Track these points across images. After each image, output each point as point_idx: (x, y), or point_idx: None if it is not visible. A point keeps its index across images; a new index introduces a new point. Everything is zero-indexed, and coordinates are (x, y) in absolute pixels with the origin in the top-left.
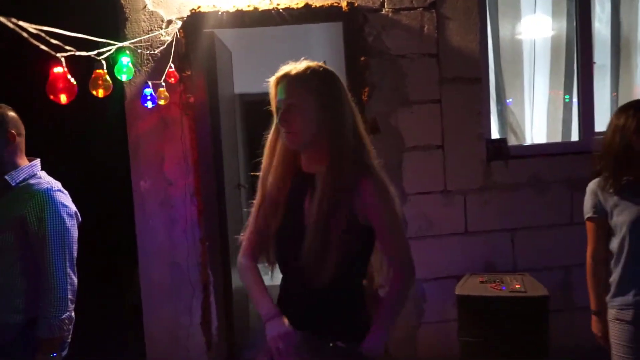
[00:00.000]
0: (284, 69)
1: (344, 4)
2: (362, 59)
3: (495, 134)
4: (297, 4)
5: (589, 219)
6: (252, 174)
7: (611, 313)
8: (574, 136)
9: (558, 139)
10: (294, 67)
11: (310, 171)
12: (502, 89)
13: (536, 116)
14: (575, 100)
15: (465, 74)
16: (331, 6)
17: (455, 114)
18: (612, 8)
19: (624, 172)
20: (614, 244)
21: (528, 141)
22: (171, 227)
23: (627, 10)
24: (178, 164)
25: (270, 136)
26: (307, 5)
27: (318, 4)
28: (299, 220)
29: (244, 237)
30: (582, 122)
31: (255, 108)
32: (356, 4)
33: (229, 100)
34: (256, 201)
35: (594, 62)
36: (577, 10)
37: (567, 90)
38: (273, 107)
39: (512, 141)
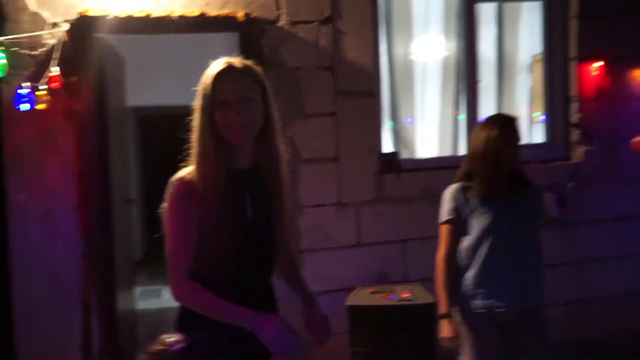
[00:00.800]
0: (222, 64)
1: (240, 15)
2: None
3: (390, 148)
4: (192, 12)
5: (447, 221)
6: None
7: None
8: (462, 150)
9: (448, 153)
10: (232, 61)
11: (242, 167)
12: (397, 104)
13: (428, 131)
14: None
15: (360, 88)
16: (227, 16)
17: (350, 127)
18: (497, 30)
19: (491, 179)
20: (469, 248)
21: (420, 155)
22: (52, 242)
23: (511, 32)
24: (61, 175)
25: (200, 135)
26: (202, 15)
27: (214, 14)
28: (245, 219)
29: (173, 258)
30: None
31: (151, 122)
32: (253, 15)
33: (121, 110)
34: (183, 210)
35: (479, 82)
36: (464, 31)
37: (456, 107)
38: (198, 104)
39: (404, 155)
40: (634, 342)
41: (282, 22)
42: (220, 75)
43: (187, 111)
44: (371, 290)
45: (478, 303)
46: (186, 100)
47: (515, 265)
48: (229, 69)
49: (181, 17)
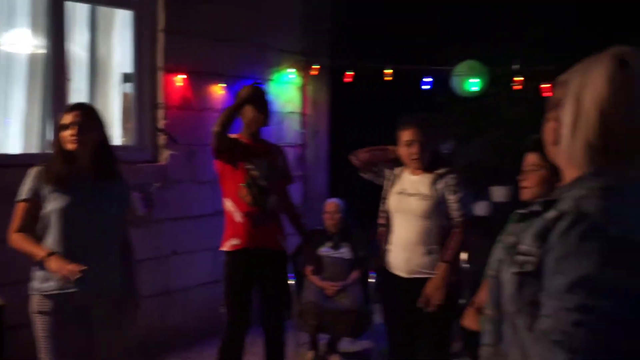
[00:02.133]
0: None
1: None
2: None
3: None
4: None
5: (23, 200)
6: None
7: (31, 306)
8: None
9: (35, 150)
10: None
11: None
12: None
13: (12, 127)
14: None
15: None
16: None
17: None
18: (90, 33)
19: (59, 165)
20: (45, 229)
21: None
22: None
23: (105, 37)
24: None
25: None
26: None
27: None
28: None
29: None
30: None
31: None
32: None
33: None
34: None
35: (69, 80)
36: (53, 28)
37: (44, 104)
38: None
39: None
40: (212, 325)
41: None
42: None
43: None
44: None
45: (51, 284)
46: None
47: (93, 247)
48: None
49: None
